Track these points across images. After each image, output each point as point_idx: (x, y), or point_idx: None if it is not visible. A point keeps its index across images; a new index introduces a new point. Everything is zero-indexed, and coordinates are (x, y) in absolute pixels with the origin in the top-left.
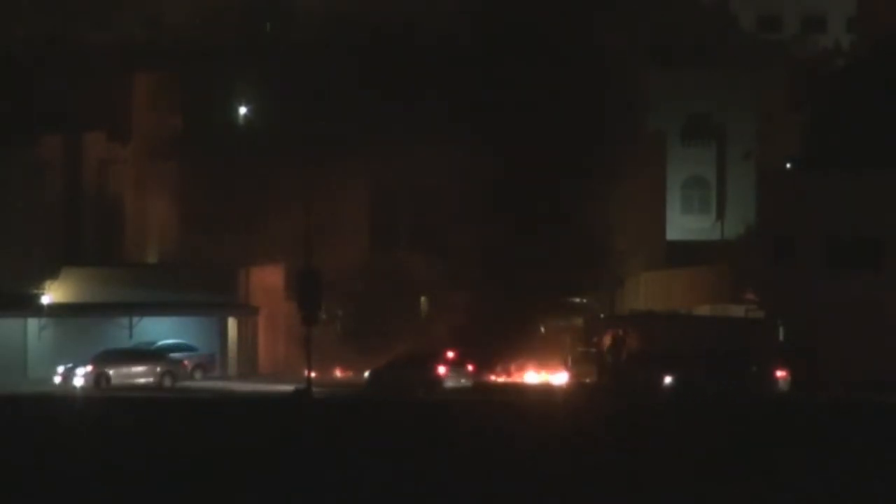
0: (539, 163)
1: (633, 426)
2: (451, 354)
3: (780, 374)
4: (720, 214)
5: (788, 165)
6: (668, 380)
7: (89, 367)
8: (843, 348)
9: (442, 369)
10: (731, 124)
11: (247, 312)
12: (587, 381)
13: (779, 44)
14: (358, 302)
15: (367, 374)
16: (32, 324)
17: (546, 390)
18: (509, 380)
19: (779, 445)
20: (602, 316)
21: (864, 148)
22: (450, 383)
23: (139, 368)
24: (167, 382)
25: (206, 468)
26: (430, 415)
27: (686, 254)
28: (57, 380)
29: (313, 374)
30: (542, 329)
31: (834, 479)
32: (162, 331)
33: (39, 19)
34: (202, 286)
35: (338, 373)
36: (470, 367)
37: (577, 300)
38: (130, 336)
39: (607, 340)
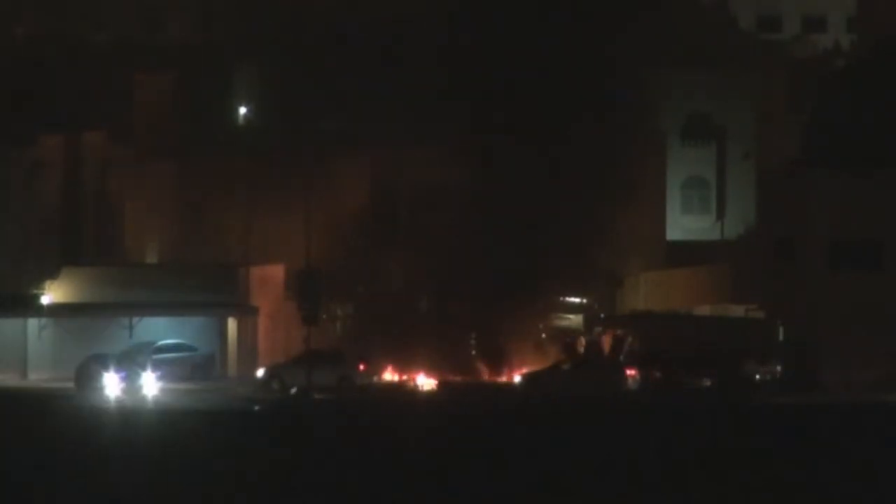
0: (539, 162)
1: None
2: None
3: (629, 372)
4: (720, 214)
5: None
6: (517, 379)
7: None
8: (843, 348)
9: (362, 366)
10: (731, 124)
11: (247, 312)
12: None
13: (779, 44)
14: (358, 301)
15: (260, 372)
16: (32, 324)
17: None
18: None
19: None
20: (602, 316)
21: (864, 148)
22: (359, 381)
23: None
24: None
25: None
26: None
27: (686, 254)
28: (113, 391)
29: None
30: (542, 327)
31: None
32: (162, 331)
33: (39, 19)
34: (202, 286)
35: None
36: (362, 366)
37: (578, 300)
38: (130, 336)
39: (607, 340)
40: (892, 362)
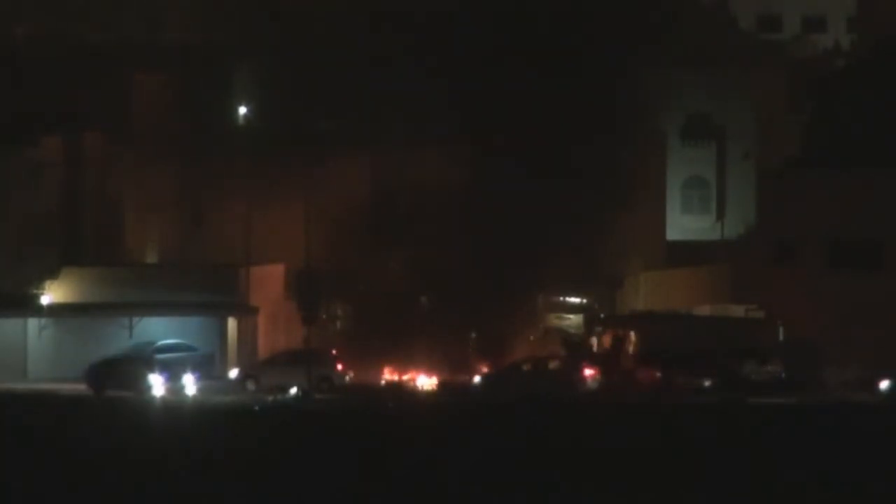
0: (538, 162)
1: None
2: (334, 352)
3: (588, 372)
4: (720, 214)
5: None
6: (477, 379)
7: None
8: (843, 348)
9: (339, 366)
10: (731, 124)
11: (247, 312)
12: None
13: (779, 44)
14: (358, 302)
15: (234, 372)
16: (32, 324)
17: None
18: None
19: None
20: (602, 316)
21: (864, 148)
22: (336, 381)
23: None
24: None
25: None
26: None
27: (686, 254)
28: (158, 391)
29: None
30: (542, 327)
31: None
32: (162, 331)
33: (39, 19)
34: (202, 286)
35: None
36: (339, 366)
37: (578, 300)
38: (130, 336)
39: (607, 340)
40: (892, 362)
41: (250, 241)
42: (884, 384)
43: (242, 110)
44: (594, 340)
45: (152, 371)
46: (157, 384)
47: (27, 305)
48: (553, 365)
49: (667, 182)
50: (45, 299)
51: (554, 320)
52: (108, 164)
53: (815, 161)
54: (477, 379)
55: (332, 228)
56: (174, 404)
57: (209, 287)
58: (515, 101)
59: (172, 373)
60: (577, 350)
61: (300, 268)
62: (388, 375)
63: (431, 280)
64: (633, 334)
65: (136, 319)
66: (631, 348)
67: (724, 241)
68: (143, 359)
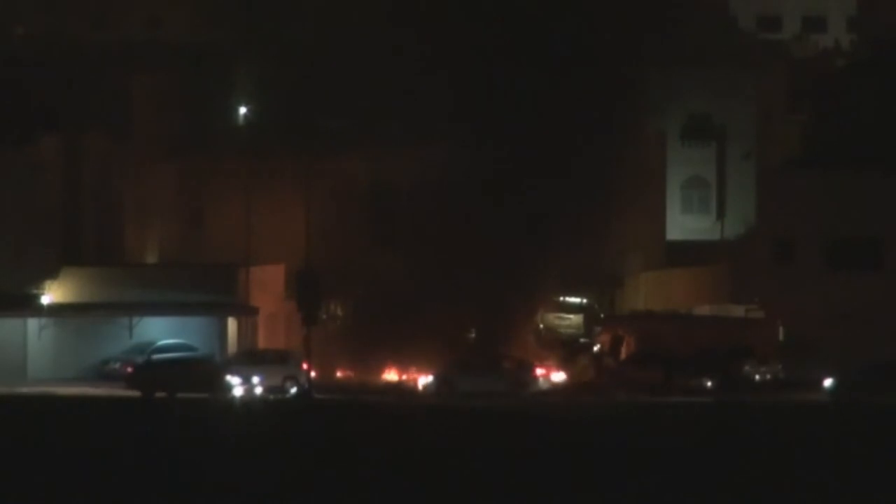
0: (539, 162)
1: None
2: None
3: (539, 371)
4: (720, 214)
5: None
6: (429, 378)
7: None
8: (843, 348)
9: (305, 366)
10: (731, 124)
11: (247, 312)
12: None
13: (779, 44)
14: (358, 302)
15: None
16: (32, 324)
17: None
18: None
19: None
20: (602, 316)
21: (864, 148)
22: (301, 379)
23: None
24: None
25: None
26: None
27: (686, 254)
28: (237, 392)
29: (312, 375)
30: (542, 328)
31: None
32: (162, 331)
33: (39, 19)
34: (202, 286)
35: (338, 373)
36: (305, 366)
37: (578, 300)
38: (130, 336)
39: (607, 340)
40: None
41: (250, 241)
42: (827, 382)
43: (242, 110)
44: (603, 340)
45: (229, 372)
46: (236, 385)
47: (27, 305)
48: (506, 364)
49: (667, 182)
50: (45, 299)
51: (554, 320)
52: (108, 164)
53: (815, 161)
54: (429, 378)
55: (332, 228)
56: (276, 403)
57: (209, 287)
58: (516, 101)
59: (246, 376)
60: (574, 350)
61: (300, 268)
62: (388, 375)
63: (431, 279)
64: (627, 336)
65: (136, 319)
66: (623, 350)
67: (724, 241)
68: (217, 360)
